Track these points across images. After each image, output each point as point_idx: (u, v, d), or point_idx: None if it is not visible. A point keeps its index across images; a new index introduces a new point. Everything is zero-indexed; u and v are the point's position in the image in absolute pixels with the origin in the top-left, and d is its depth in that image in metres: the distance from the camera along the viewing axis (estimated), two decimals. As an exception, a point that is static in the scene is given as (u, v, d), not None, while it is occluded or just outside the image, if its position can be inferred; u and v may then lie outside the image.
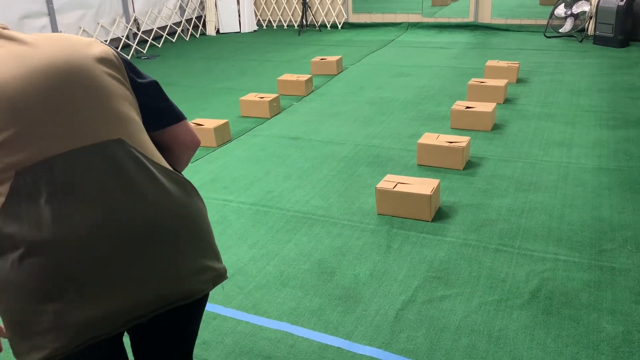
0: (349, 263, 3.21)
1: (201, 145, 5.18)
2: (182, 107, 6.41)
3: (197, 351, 2.57)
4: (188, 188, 1.41)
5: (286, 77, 6.64)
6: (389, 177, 3.86)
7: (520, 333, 2.59)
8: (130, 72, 1.40)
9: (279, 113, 5.99)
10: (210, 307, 2.89)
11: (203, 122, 5.21)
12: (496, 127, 5.15)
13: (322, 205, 3.92)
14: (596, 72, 6.69)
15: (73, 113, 1.25)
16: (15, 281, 1.21)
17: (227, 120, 5.31)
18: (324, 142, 5.10)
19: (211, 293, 2.99)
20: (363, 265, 3.18)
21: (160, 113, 1.46)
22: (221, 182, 4.39)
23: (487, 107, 5.13)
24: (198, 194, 1.45)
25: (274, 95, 5.94)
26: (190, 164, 4.76)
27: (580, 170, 4.21)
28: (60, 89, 1.24)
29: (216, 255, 1.47)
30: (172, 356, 1.57)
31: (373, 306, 2.84)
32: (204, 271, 1.40)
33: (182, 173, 1.55)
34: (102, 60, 1.33)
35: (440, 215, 3.68)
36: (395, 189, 3.65)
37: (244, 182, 4.36)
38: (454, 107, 5.21)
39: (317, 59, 7.42)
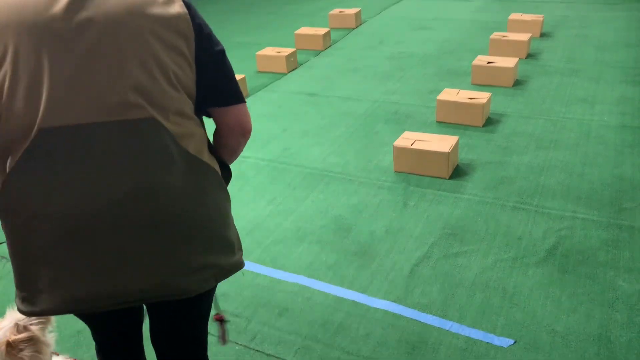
0: (365, 220, 3.24)
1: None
2: (198, 62, 6.37)
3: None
4: (210, 180, 1.34)
5: (304, 30, 6.53)
6: (406, 134, 3.83)
7: (535, 290, 2.61)
8: (200, 42, 1.29)
9: (296, 68, 5.92)
10: (229, 260, 2.96)
11: (220, 78, 5.17)
12: (518, 83, 5.04)
13: (339, 162, 3.92)
14: (624, 26, 6.44)
15: (110, 81, 1.18)
16: (20, 239, 1.25)
17: (243, 75, 5.27)
18: (342, 98, 5.05)
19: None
20: (379, 222, 3.20)
21: (214, 90, 1.36)
22: (238, 138, 4.39)
23: (509, 62, 5.00)
24: (221, 185, 1.38)
25: (291, 50, 5.86)
26: (207, 119, 4.76)
27: (602, 127, 4.13)
28: (106, 50, 1.18)
29: (227, 249, 1.40)
30: (181, 338, 1.59)
31: (388, 262, 2.87)
32: (202, 269, 1.33)
33: (227, 161, 1.50)
34: (166, 25, 1.23)
35: (458, 172, 3.66)
36: (413, 147, 3.63)
37: (261, 138, 4.37)
38: (475, 62, 5.09)
39: (335, 11, 7.25)
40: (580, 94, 4.74)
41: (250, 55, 6.31)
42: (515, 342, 2.33)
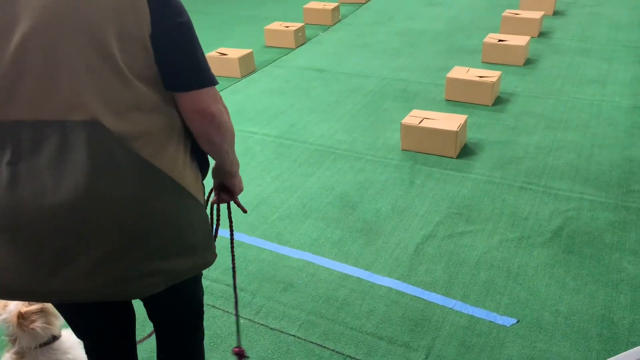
0: (371, 197, 3.24)
1: (225, 75, 5.14)
2: (204, 35, 6.31)
3: (222, 276, 2.67)
4: (162, 185, 1.23)
5: (312, 5, 6.44)
6: (415, 112, 3.80)
7: (540, 270, 2.61)
8: (156, 14, 1.14)
9: (304, 43, 5.86)
10: (234, 235, 2.97)
11: (227, 52, 5.14)
12: (529, 62, 4.97)
13: (346, 139, 3.90)
14: (639, 4, 6.32)
15: (50, 78, 1.10)
16: None
17: (251, 50, 5.23)
18: (350, 74, 5.00)
19: (236, 222, 3.07)
20: (385, 200, 3.20)
21: (171, 73, 1.21)
22: (246, 114, 4.38)
23: (521, 40, 4.93)
24: (177, 190, 1.26)
25: (300, 25, 5.79)
26: (214, 95, 4.73)
27: (613, 108, 4.07)
28: (42, 43, 1.09)
29: (184, 252, 1.30)
30: (174, 322, 1.58)
31: (393, 239, 2.88)
32: (148, 275, 1.24)
33: (211, 154, 1.40)
34: (111, 6, 1.11)
35: (466, 151, 3.64)
36: (420, 125, 3.60)
37: (268, 114, 4.35)
38: (486, 39, 5.01)
39: (344, -14, 7.15)
40: (592, 74, 4.67)
41: (258, 30, 6.25)
42: (518, 322, 2.34)
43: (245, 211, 1.68)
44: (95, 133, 1.12)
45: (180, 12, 1.20)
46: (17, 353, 1.71)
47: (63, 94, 1.11)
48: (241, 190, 1.62)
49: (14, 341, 1.70)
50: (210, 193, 1.63)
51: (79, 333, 1.59)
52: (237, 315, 1.74)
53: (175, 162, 1.26)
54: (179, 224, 1.27)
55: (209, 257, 1.39)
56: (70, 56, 1.10)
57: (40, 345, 1.71)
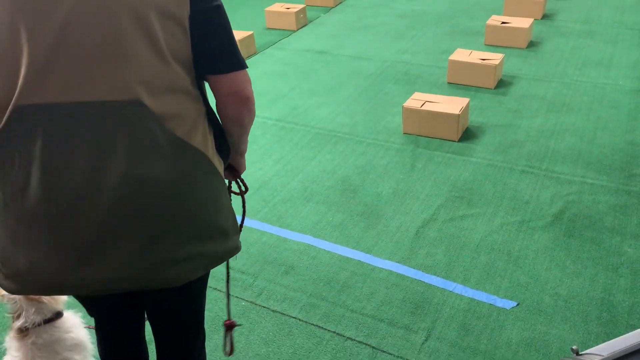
0: (372, 181, 3.24)
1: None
2: (206, 17, 6.26)
3: (223, 260, 2.69)
4: (198, 165, 1.23)
5: (314, -13, 6.37)
6: (417, 95, 3.77)
7: (540, 254, 2.62)
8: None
9: (305, 25, 5.81)
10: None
11: (228, 34, 5.09)
12: (532, 45, 4.93)
13: (348, 123, 3.89)
14: (646, -15, 6.23)
15: (90, 57, 1.08)
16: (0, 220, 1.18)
17: (252, 32, 5.19)
18: (352, 57, 4.96)
19: (239, 205, 3.07)
20: (386, 184, 3.20)
21: (207, 56, 1.21)
22: (246, 96, 4.36)
23: (524, 22, 4.88)
24: (211, 170, 1.27)
25: (301, 6, 5.73)
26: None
27: (617, 91, 4.05)
28: (85, 23, 1.07)
29: (218, 236, 1.30)
30: (175, 318, 1.55)
31: (394, 223, 2.88)
32: (189, 259, 1.24)
33: (235, 134, 1.39)
34: None
35: (468, 135, 3.63)
36: (422, 108, 3.59)
37: (269, 97, 4.33)
38: (489, 21, 4.97)
39: (346, -33, 7.06)
40: (596, 56, 4.63)
41: (259, 12, 6.19)
42: (517, 305, 2.35)
43: (246, 190, 1.66)
44: (136, 113, 1.11)
45: None
46: (20, 331, 1.71)
47: (103, 73, 1.09)
48: (245, 168, 1.63)
49: (17, 317, 1.71)
50: None
51: (90, 311, 1.59)
52: (228, 292, 1.73)
53: (206, 143, 1.27)
54: (214, 205, 1.29)
55: (237, 242, 1.39)
56: (112, 35, 1.08)
57: (45, 322, 1.72)
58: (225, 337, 1.68)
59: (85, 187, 1.12)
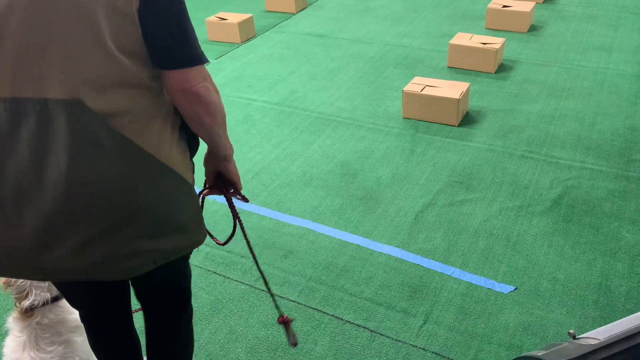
0: (372, 166, 3.23)
1: (225, 40, 5.06)
2: (203, 0, 6.20)
3: (222, 244, 2.69)
4: (147, 165, 1.20)
5: (313, -31, 6.30)
6: (417, 79, 3.75)
7: (539, 238, 2.62)
8: None
9: (305, 8, 5.75)
10: (234, 202, 2.98)
11: (227, 17, 5.05)
12: (533, 29, 4.89)
13: (347, 107, 3.87)
14: (649, -31, 6.17)
15: (29, 52, 1.06)
16: None
17: (251, 15, 5.14)
18: (351, 40, 4.93)
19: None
20: (385, 168, 3.20)
21: (157, 49, 1.16)
22: (245, 80, 4.33)
23: (526, 6, 4.84)
24: (162, 169, 1.23)
25: (301, -11, 5.68)
26: (214, 61, 4.69)
27: (617, 76, 4.03)
28: (23, 15, 1.04)
29: (173, 232, 1.28)
30: (162, 306, 1.57)
31: (393, 207, 2.89)
32: (137, 255, 1.23)
33: (202, 137, 1.34)
34: None
35: (468, 120, 3.61)
36: (422, 92, 3.57)
37: (268, 81, 4.30)
38: (490, 5, 4.92)
39: (346, -51, 6.97)
40: (597, 41, 4.60)
41: (258, -6, 6.13)
42: (515, 289, 2.36)
43: (246, 201, 1.59)
44: (76, 113, 1.09)
45: None
46: (26, 311, 1.72)
47: (43, 70, 1.07)
48: (239, 176, 1.53)
49: (25, 296, 1.71)
50: (204, 187, 1.54)
51: (72, 303, 1.58)
52: (269, 291, 1.71)
53: (161, 140, 1.22)
54: (165, 204, 1.25)
55: (199, 237, 1.36)
56: (53, 29, 1.05)
57: (52, 301, 1.73)
58: (286, 332, 1.68)
59: (29, 180, 1.11)
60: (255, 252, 2.65)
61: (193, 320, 1.76)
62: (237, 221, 1.55)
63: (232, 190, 1.52)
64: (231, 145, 1.44)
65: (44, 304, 1.71)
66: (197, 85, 1.21)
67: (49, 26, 1.05)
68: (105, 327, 1.65)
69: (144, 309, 1.63)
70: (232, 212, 1.57)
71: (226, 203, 1.60)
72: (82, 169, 1.11)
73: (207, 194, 1.53)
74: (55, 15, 1.05)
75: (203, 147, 1.43)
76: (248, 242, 1.59)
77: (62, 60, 1.07)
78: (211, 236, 1.61)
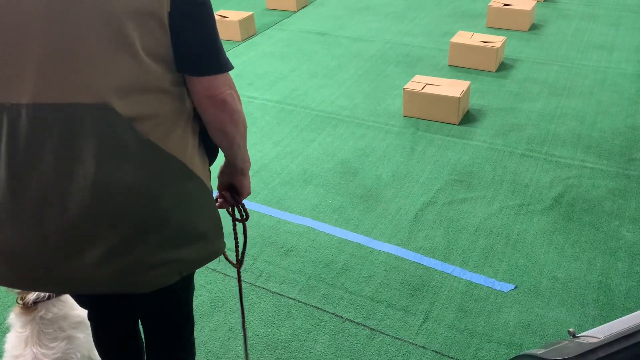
0: (372, 164, 3.23)
1: (226, 38, 5.06)
2: (206, -3, 6.19)
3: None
4: (170, 169, 1.18)
5: (314, -33, 6.29)
6: (417, 77, 3.75)
7: (539, 237, 2.62)
8: None
9: (306, 6, 5.75)
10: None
11: (227, 14, 5.05)
12: (534, 27, 4.88)
13: (348, 105, 3.87)
14: (650, -33, 6.16)
15: (57, 57, 1.04)
16: None
17: (252, 12, 5.13)
18: (352, 38, 4.92)
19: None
20: (386, 167, 3.20)
21: (186, 55, 1.15)
22: (246, 78, 4.33)
23: (527, 4, 4.83)
24: (185, 174, 1.21)
25: (301, -13, 5.67)
26: (215, 59, 4.68)
27: (618, 75, 4.02)
28: (52, 20, 1.02)
29: (196, 240, 1.26)
30: (163, 320, 1.54)
31: (393, 206, 2.89)
32: (162, 265, 1.21)
33: (221, 146, 1.32)
34: None
35: (468, 118, 3.61)
36: (423, 91, 3.57)
37: (269, 78, 4.30)
38: (491, 3, 4.92)
39: (347, -53, 6.96)
40: (598, 39, 4.59)
41: (258, -8, 6.12)
42: (515, 287, 2.37)
43: (247, 217, 1.55)
44: (104, 117, 1.07)
45: None
46: (28, 306, 1.71)
47: (71, 75, 1.05)
48: (249, 192, 1.51)
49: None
50: (215, 199, 1.49)
51: (80, 303, 1.58)
52: (242, 310, 1.69)
53: (184, 145, 1.21)
54: (190, 209, 1.23)
55: (220, 245, 1.35)
56: (80, 34, 1.04)
57: (55, 295, 1.73)
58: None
59: (52, 191, 1.09)
60: (256, 250, 2.65)
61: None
62: (244, 239, 1.54)
63: (241, 205, 1.51)
64: (249, 159, 1.43)
65: (48, 298, 1.71)
66: (224, 92, 1.20)
67: (74, 31, 1.03)
68: (112, 328, 1.64)
69: (144, 323, 1.60)
70: (235, 226, 1.55)
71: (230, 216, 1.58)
72: (109, 174, 1.10)
73: (218, 207, 1.51)
74: (80, 20, 1.03)
75: (219, 159, 1.43)
76: (237, 268, 1.56)
77: (90, 65, 1.05)
78: (226, 258, 1.58)
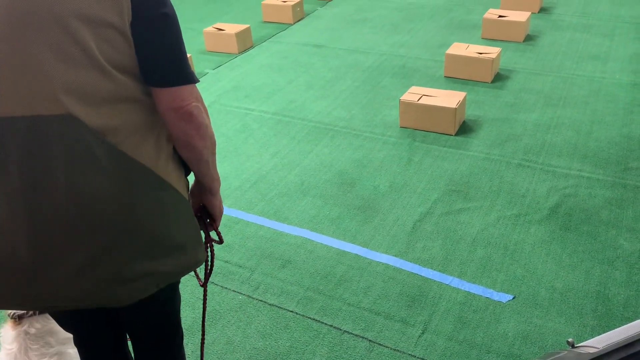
0: (369, 175, 3.24)
1: (223, 51, 5.08)
2: (201, 10, 6.23)
3: (219, 253, 2.69)
4: (144, 179, 1.17)
5: (310, -20, 6.34)
6: (414, 89, 3.77)
7: (537, 247, 2.62)
8: (138, 5, 1.09)
9: (302, 18, 5.79)
10: (232, 212, 2.98)
11: (224, 27, 5.08)
12: (529, 38, 4.92)
13: (345, 116, 3.89)
14: (643, -21, 6.23)
15: (18, 71, 1.04)
16: None
17: (248, 25, 5.16)
18: (349, 50, 4.95)
19: (235, 199, 3.07)
20: (383, 177, 3.20)
21: (149, 66, 1.14)
22: (243, 90, 4.35)
23: (521, 16, 4.87)
24: (159, 184, 1.20)
25: (298, 0, 5.71)
26: (212, 71, 4.70)
27: (613, 85, 4.05)
28: (8, 34, 1.02)
29: (173, 251, 1.23)
30: (150, 331, 1.51)
31: (391, 217, 2.89)
32: (138, 278, 1.19)
33: (188, 162, 1.30)
34: None
35: (465, 129, 3.63)
36: (419, 102, 3.58)
37: (265, 90, 4.31)
38: (486, 15, 4.96)
39: (343, -40, 7.02)
40: (593, 50, 4.63)
41: (255, 5, 6.17)
42: (514, 298, 2.36)
43: (221, 242, 1.51)
44: (70, 128, 1.06)
45: (164, 3, 1.14)
46: (14, 319, 1.70)
47: (34, 87, 1.04)
48: (222, 212, 1.48)
49: None
50: None
51: (64, 326, 1.54)
52: (204, 316, 1.63)
53: (157, 155, 1.19)
54: (165, 220, 1.21)
55: (200, 255, 1.32)
56: (41, 48, 1.03)
57: (39, 312, 1.71)
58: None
59: (21, 203, 1.07)
60: (253, 261, 2.64)
61: (185, 340, 1.72)
62: (211, 262, 1.49)
63: (211, 225, 1.47)
64: (219, 178, 1.40)
65: (32, 314, 1.70)
66: (190, 104, 1.19)
67: (35, 44, 1.03)
68: (99, 352, 1.59)
69: (132, 337, 1.57)
70: (210, 249, 1.50)
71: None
72: (81, 186, 1.08)
73: None
74: (41, 34, 1.03)
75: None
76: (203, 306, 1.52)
77: (52, 77, 1.04)
78: (196, 274, 1.55)
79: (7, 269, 1.11)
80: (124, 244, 1.15)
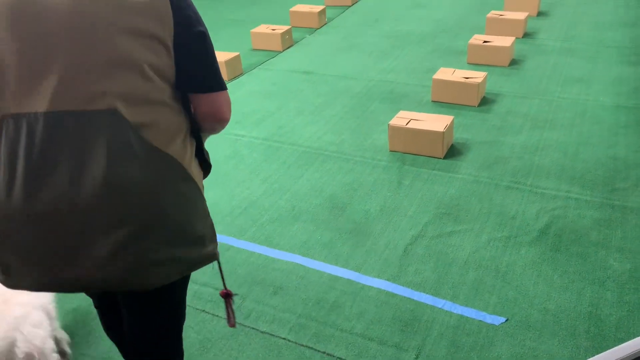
0: (360, 199, 3.24)
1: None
2: (192, 39, 6.28)
3: (211, 280, 2.66)
4: (172, 172, 1.30)
5: (299, 7, 6.44)
6: (402, 113, 3.81)
7: (528, 269, 2.63)
8: (178, 23, 1.27)
9: (291, 46, 5.86)
10: (223, 238, 2.96)
11: (214, 55, 5.12)
12: (514, 63, 5.02)
13: (334, 141, 3.91)
14: (622, 4, 6.40)
15: (72, 70, 1.19)
16: None
17: (238, 53, 5.22)
18: (337, 76, 5.01)
19: (225, 225, 3.06)
20: (374, 201, 3.21)
21: (190, 76, 1.33)
22: (233, 116, 4.37)
23: (506, 41, 4.97)
24: (186, 178, 1.34)
25: (286, 28, 5.79)
26: (202, 98, 4.72)
27: (598, 107, 4.12)
28: (68, 41, 1.19)
29: (194, 242, 1.37)
30: (151, 329, 1.56)
31: (383, 240, 2.89)
32: (163, 263, 1.31)
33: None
34: (136, 11, 1.21)
35: (453, 152, 3.66)
36: (408, 126, 3.62)
37: (255, 117, 4.34)
38: (472, 41, 5.05)
39: (330, -11, 7.15)
40: (577, 73, 4.72)
41: (244, 33, 6.24)
42: (507, 320, 2.35)
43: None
44: (114, 122, 1.20)
45: (200, 22, 1.33)
46: None
47: (84, 87, 1.19)
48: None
49: None
50: None
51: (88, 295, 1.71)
52: (220, 267, 1.70)
53: (184, 153, 1.34)
54: (190, 211, 1.35)
55: (215, 251, 1.45)
56: (95, 48, 1.19)
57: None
58: (226, 308, 1.66)
59: (66, 190, 1.20)
60: (245, 289, 2.62)
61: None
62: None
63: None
64: None
65: None
66: (224, 111, 1.41)
67: (89, 45, 1.19)
68: (117, 315, 1.69)
69: (131, 333, 1.60)
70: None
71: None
72: (120, 172, 1.21)
73: None
74: (95, 40, 1.19)
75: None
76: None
77: (102, 77, 1.20)
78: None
79: (50, 252, 1.24)
80: (152, 231, 1.27)
